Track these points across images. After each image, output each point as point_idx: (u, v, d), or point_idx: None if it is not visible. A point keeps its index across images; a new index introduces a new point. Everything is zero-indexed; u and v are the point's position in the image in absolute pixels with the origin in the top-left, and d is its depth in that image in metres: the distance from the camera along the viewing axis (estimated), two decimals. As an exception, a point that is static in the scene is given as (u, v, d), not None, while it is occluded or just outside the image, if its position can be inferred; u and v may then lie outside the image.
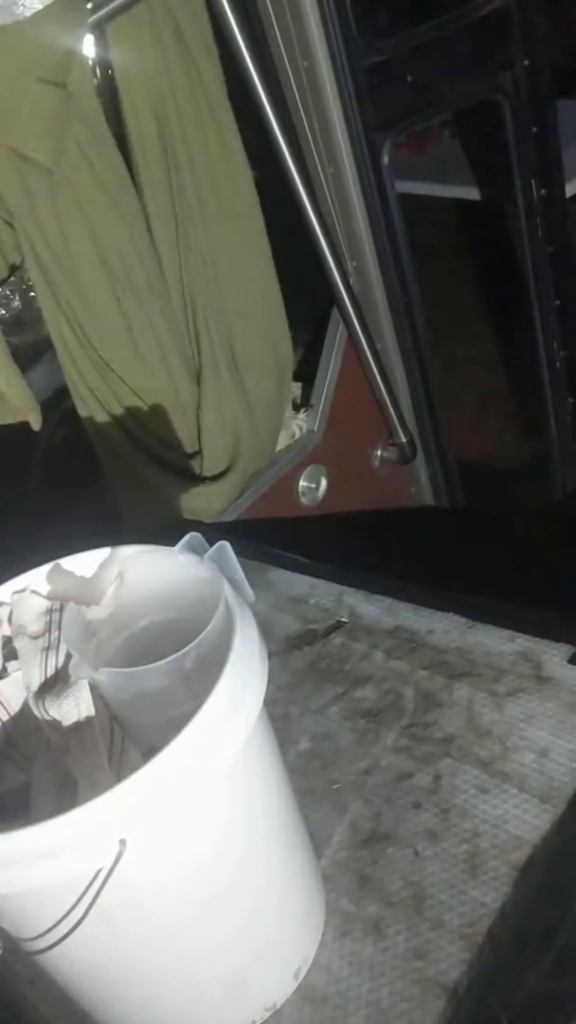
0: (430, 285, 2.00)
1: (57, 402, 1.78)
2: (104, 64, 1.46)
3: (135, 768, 0.66)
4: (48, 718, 0.77)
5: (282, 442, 1.90)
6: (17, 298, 1.76)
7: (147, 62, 1.45)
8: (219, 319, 1.68)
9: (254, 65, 1.54)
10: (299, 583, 1.39)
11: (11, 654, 0.84)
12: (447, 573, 1.34)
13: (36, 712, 0.79)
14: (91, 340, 1.56)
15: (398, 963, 0.88)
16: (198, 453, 1.76)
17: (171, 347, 1.62)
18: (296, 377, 1.92)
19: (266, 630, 0.79)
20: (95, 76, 1.45)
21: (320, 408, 1.92)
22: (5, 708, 0.83)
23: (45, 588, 0.87)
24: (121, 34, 1.42)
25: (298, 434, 1.92)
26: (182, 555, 0.83)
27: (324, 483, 1.94)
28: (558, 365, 2.21)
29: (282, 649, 1.28)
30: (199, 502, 1.73)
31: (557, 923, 0.86)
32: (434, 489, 2.21)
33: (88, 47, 1.41)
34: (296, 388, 1.95)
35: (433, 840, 0.97)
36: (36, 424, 1.54)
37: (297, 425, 1.92)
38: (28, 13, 1.25)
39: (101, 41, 1.43)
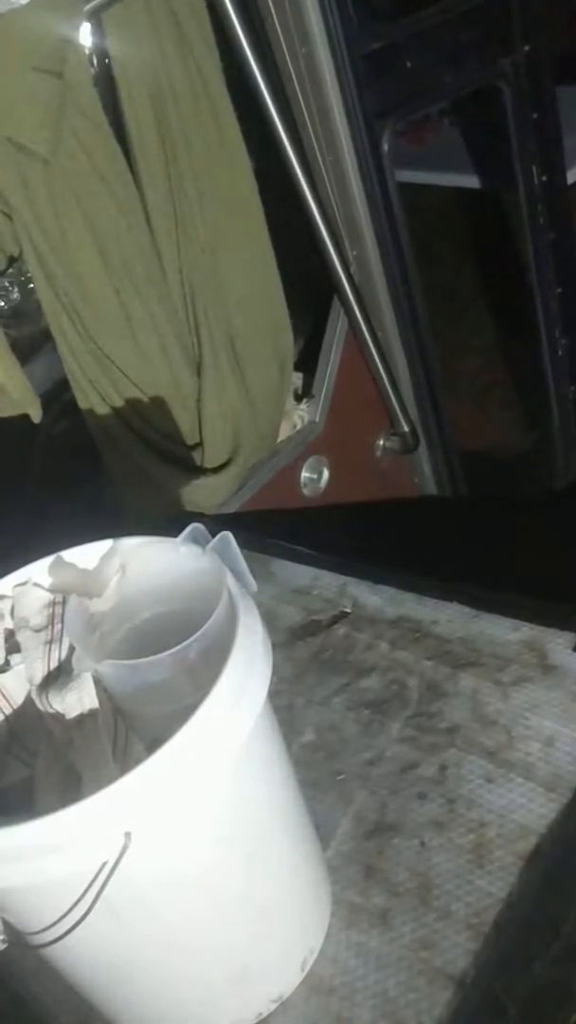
0: (431, 274, 2.00)
1: (57, 394, 1.78)
2: (101, 53, 1.45)
3: (139, 761, 0.66)
4: (51, 711, 0.77)
5: (283, 433, 1.89)
6: (16, 290, 1.76)
7: (144, 51, 1.44)
8: (219, 309, 1.67)
9: (252, 53, 1.52)
10: (302, 574, 1.38)
11: (14, 647, 0.84)
12: (450, 562, 1.34)
13: (39, 705, 0.79)
14: (90, 332, 1.55)
15: (405, 953, 0.88)
16: (199, 444, 1.75)
17: (171, 338, 1.61)
18: (297, 367, 1.91)
19: (269, 621, 0.79)
20: (92, 65, 1.44)
21: (321, 398, 1.91)
22: (8, 702, 0.83)
23: (47, 581, 0.86)
24: (118, 22, 1.41)
25: (299, 425, 1.92)
26: (184, 546, 0.83)
27: (326, 474, 1.93)
28: (560, 353, 2.20)
29: (285, 640, 1.27)
30: (200, 494, 1.72)
31: (563, 912, 0.86)
32: (436, 478, 2.20)
33: (84, 36, 1.40)
34: (297, 378, 1.94)
35: (439, 830, 0.97)
36: (36, 416, 1.54)
37: (298, 415, 1.91)
38: (24, 1, 1.24)
39: (98, 30, 1.42)
